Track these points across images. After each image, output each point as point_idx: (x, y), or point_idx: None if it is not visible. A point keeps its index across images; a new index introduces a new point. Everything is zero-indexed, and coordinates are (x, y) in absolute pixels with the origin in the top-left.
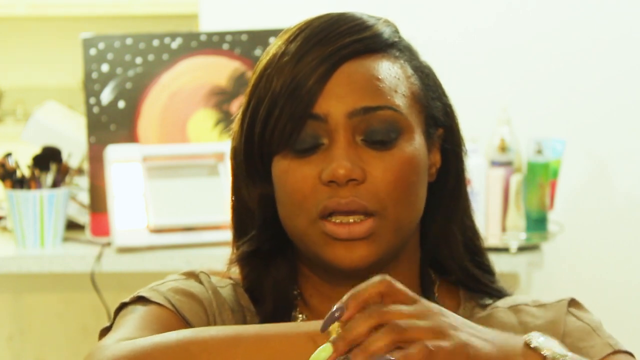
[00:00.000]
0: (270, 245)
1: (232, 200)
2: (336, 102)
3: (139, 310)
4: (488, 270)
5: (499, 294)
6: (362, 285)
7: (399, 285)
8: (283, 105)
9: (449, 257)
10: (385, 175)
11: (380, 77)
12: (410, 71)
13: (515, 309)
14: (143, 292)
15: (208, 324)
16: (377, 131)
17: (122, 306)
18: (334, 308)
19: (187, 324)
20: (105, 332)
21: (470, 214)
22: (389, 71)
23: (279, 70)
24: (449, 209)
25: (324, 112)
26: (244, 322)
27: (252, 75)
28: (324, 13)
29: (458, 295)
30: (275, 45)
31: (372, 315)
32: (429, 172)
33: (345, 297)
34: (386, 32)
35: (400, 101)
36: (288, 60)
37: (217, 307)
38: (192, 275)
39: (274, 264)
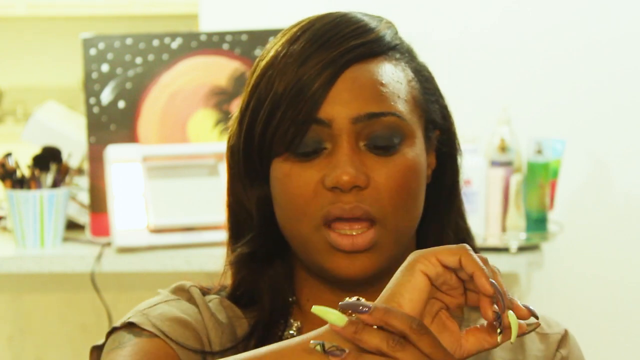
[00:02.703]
0: (267, 248)
1: (229, 200)
2: (341, 107)
3: (129, 344)
4: None
5: None
6: (399, 313)
7: (428, 338)
8: (286, 108)
9: None
10: (387, 181)
11: (383, 82)
12: (411, 74)
13: None
14: (134, 318)
15: (201, 346)
16: (381, 137)
17: (113, 330)
18: (363, 302)
19: (177, 353)
20: (96, 350)
21: (463, 214)
22: (392, 76)
23: (281, 72)
24: (444, 211)
25: (329, 117)
26: (234, 334)
27: (250, 75)
28: (325, 13)
29: None
30: (276, 44)
31: (389, 341)
32: (425, 174)
33: (377, 304)
34: (388, 34)
35: (402, 107)
36: (291, 62)
37: (208, 324)
38: (182, 290)
39: (271, 267)
